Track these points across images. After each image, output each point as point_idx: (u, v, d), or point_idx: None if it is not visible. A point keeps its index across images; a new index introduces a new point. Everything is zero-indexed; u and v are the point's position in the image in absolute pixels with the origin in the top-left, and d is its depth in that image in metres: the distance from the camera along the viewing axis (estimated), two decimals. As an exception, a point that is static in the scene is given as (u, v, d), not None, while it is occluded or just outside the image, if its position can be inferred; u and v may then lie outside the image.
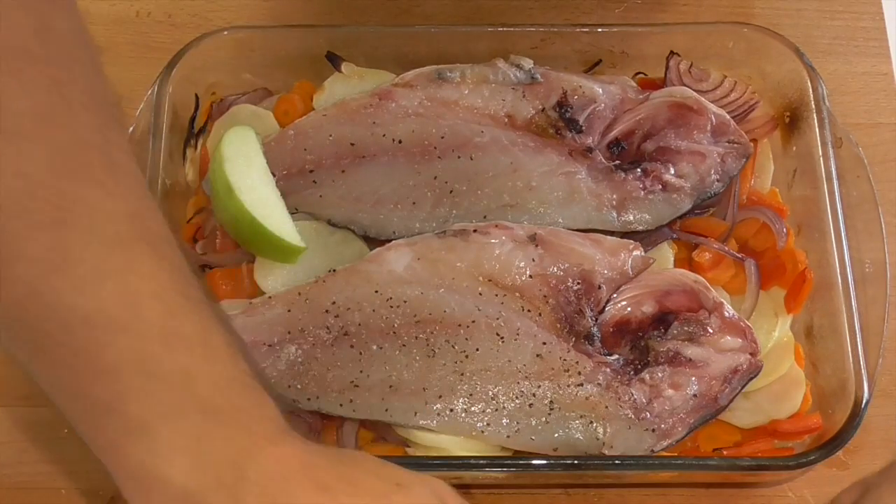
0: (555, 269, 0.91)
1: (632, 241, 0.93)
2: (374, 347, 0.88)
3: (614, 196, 0.96)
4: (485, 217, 0.95)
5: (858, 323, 0.89)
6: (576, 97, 0.98)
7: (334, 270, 0.92)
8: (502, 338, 0.89)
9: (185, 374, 0.61)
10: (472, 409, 0.87)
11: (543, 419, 0.87)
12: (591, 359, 0.88)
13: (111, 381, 0.60)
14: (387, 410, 0.87)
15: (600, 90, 0.99)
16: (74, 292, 0.59)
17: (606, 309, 0.91)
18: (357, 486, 0.63)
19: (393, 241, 0.93)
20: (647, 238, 0.96)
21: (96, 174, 0.61)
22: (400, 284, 0.90)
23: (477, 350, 0.88)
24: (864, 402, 0.86)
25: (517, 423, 0.87)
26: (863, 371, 0.87)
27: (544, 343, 0.89)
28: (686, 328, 0.90)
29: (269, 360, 0.88)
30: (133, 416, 0.61)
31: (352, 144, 0.97)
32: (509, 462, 0.87)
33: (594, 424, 0.87)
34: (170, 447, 0.61)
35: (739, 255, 0.95)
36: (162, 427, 0.61)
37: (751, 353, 0.89)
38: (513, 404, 0.87)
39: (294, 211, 0.95)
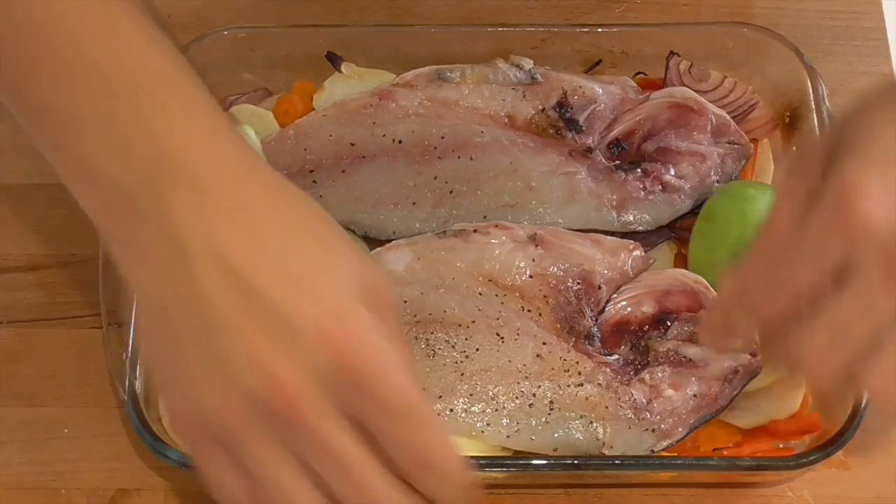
0: (555, 269, 0.91)
1: (632, 242, 0.93)
2: (374, 347, 0.88)
3: (614, 196, 0.96)
4: (485, 217, 0.95)
5: (858, 323, 0.89)
6: (576, 97, 0.98)
7: (334, 270, 0.92)
8: (502, 338, 0.89)
9: (92, 61, 0.61)
10: (472, 409, 0.87)
11: (543, 419, 0.87)
12: (591, 359, 0.88)
13: (35, 76, 0.61)
14: (387, 410, 0.87)
15: (600, 90, 0.99)
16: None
17: (606, 309, 0.91)
18: (287, 235, 0.61)
19: (393, 241, 0.93)
20: (647, 238, 0.96)
21: None
22: (400, 284, 0.90)
23: (477, 350, 0.88)
24: (864, 402, 0.86)
25: (517, 423, 0.87)
26: (863, 371, 0.87)
27: (544, 343, 0.89)
28: (686, 328, 0.90)
29: (269, 360, 0.88)
30: (65, 111, 0.61)
31: (352, 144, 0.97)
32: (509, 462, 0.87)
33: (594, 424, 0.87)
34: (93, 139, 0.60)
35: (739, 256, 0.95)
36: (87, 117, 0.60)
37: (751, 354, 0.89)
38: (513, 404, 0.87)
39: (294, 211, 0.95)
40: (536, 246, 0.91)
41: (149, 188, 0.60)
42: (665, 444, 0.87)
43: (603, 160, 0.97)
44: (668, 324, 0.90)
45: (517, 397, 0.87)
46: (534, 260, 0.91)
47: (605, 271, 0.91)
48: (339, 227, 0.65)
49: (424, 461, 0.63)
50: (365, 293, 0.62)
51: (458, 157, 0.97)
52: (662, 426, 0.87)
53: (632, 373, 0.88)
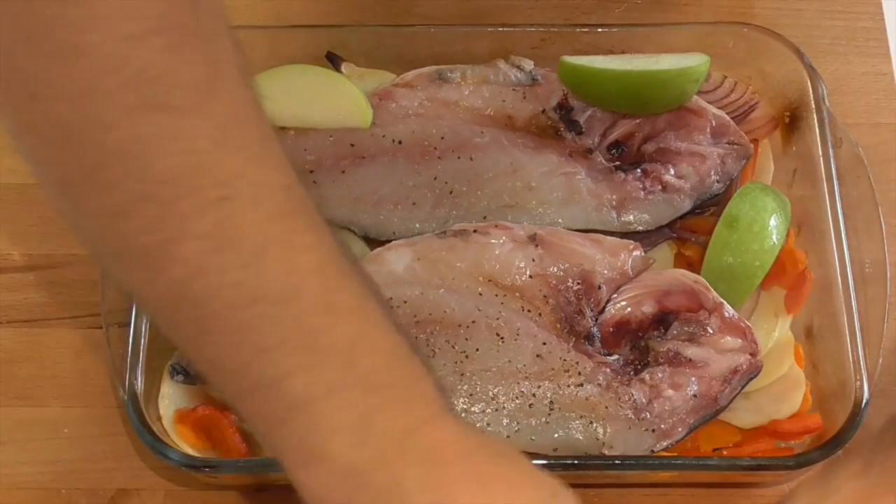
0: (555, 269, 0.91)
1: (632, 241, 0.93)
2: (375, 348, 0.88)
3: (614, 196, 0.96)
4: (485, 217, 0.95)
5: (858, 323, 0.89)
6: (576, 98, 0.98)
7: (334, 271, 0.92)
8: (502, 338, 0.89)
9: (346, 347, 0.61)
10: (472, 409, 0.87)
11: (543, 419, 0.87)
12: (591, 359, 0.88)
13: (275, 358, 0.60)
14: (387, 410, 0.87)
15: (600, 90, 0.99)
16: (240, 269, 0.58)
17: (606, 309, 0.91)
18: (515, 490, 0.63)
19: (393, 241, 0.93)
20: (647, 238, 0.96)
21: (253, 147, 0.61)
22: (400, 285, 0.90)
23: (477, 350, 0.88)
24: (864, 402, 0.86)
25: (517, 423, 0.87)
26: (863, 371, 0.87)
27: (544, 343, 0.89)
28: (686, 328, 0.90)
29: (269, 360, 0.88)
30: (296, 392, 0.60)
31: (351, 145, 0.97)
32: (509, 462, 0.87)
33: (594, 425, 0.87)
34: (332, 424, 0.60)
35: (739, 256, 0.95)
36: (324, 403, 0.60)
37: (751, 354, 0.89)
38: (513, 404, 0.87)
39: (294, 211, 0.95)
40: (536, 246, 0.91)
41: (384, 467, 0.61)
42: (665, 444, 0.87)
43: (603, 161, 0.97)
44: (668, 324, 0.90)
45: (517, 397, 0.87)
46: (534, 260, 0.91)
47: (605, 271, 0.91)
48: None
49: None
50: None
51: (458, 158, 0.97)
52: (662, 426, 0.87)
53: (632, 373, 0.88)
